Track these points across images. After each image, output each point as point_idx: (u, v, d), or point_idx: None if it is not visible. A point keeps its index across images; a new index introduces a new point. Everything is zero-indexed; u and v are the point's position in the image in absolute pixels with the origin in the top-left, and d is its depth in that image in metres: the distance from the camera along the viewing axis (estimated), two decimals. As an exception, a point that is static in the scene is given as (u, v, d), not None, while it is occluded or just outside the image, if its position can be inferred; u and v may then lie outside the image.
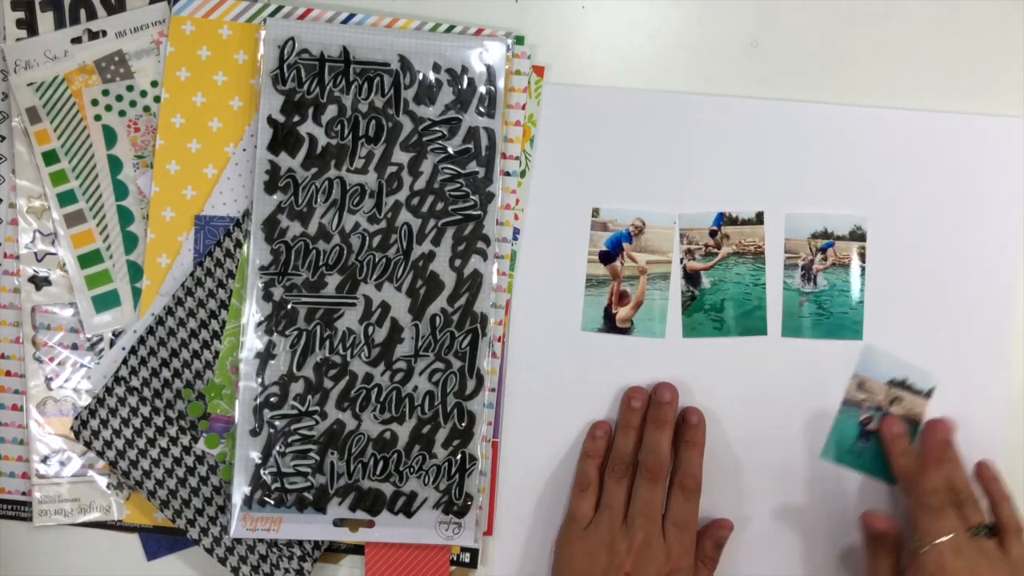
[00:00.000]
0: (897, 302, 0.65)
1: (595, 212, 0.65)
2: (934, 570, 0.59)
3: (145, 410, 0.63)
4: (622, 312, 0.65)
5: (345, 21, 0.63)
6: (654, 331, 0.65)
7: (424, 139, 0.63)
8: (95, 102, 0.65)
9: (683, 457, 0.62)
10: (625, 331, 0.65)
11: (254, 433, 0.62)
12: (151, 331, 0.63)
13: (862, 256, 0.65)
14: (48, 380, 0.64)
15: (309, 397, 0.62)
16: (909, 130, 0.65)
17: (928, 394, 0.64)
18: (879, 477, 0.65)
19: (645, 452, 0.62)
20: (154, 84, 0.65)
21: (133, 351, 0.63)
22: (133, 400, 0.63)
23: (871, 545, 0.63)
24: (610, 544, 0.61)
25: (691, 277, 0.65)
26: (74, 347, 0.64)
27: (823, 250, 0.65)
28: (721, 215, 0.65)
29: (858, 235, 0.65)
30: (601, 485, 0.63)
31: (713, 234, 0.65)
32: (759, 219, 0.65)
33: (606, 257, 0.65)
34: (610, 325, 0.65)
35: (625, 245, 0.65)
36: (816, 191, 0.65)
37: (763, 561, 0.65)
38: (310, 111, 0.62)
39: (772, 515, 0.65)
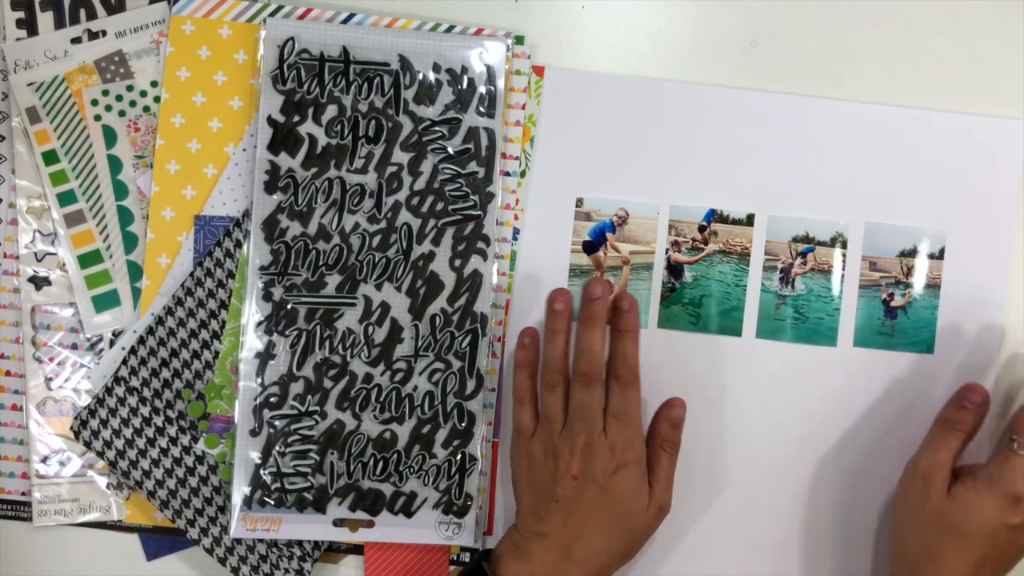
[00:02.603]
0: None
1: (579, 202, 0.65)
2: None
3: (145, 410, 0.63)
4: None
5: (345, 21, 0.63)
6: None
7: (424, 139, 0.63)
8: (95, 102, 0.65)
9: (617, 347, 0.61)
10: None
11: (254, 433, 0.62)
12: (151, 331, 0.63)
13: (843, 263, 0.64)
14: (48, 380, 0.64)
15: (309, 397, 0.62)
16: (904, 129, 0.65)
17: (941, 255, 0.64)
18: (914, 350, 0.65)
19: (578, 354, 0.60)
20: (154, 84, 0.65)
21: (133, 351, 0.63)
22: (133, 400, 0.63)
23: (946, 418, 0.62)
24: (554, 450, 0.60)
25: (674, 269, 0.65)
26: (74, 347, 0.64)
27: (803, 254, 0.65)
28: (712, 211, 0.65)
29: (839, 241, 0.65)
30: (536, 395, 0.63)
31: (702, 229, 0.65)
32: (749, 221, 0.65)
33: (590, 247, 0.65)
34: None
35: (608, 235, 0.65)
36: (807, 193, 0.65)
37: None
38: (310, 111, 0.62)
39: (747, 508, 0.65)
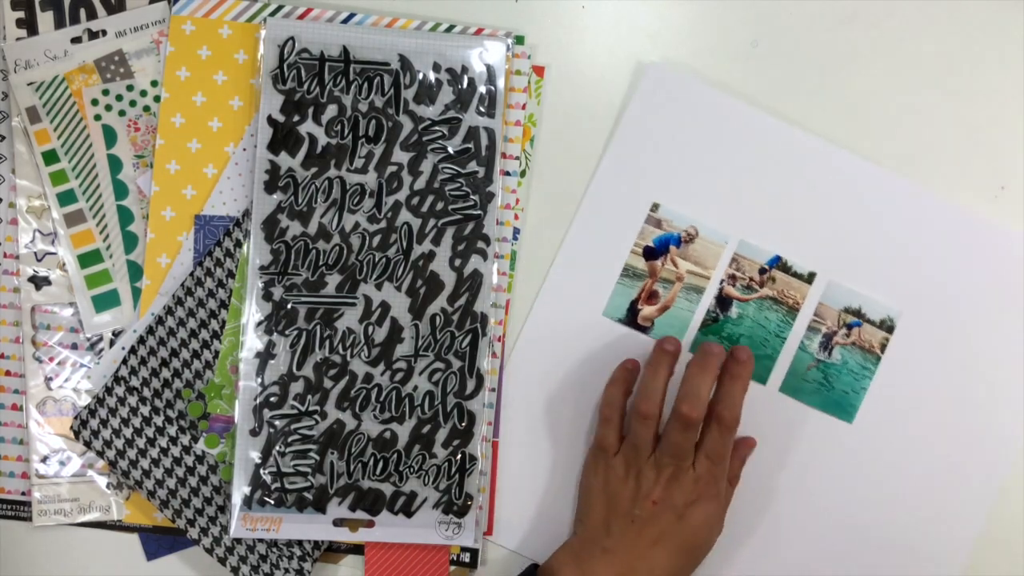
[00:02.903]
0: (902, 403, 0.64)
1: (654, 207, 0.64)
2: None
3: (145, 410, 0.63)
4: (646, 311, 0.65)
5: (345, 21, 0.63)
6: None
7: (424, 139, 0.63)
8: (95, 102, 0.65)
9: (725, 390, 0.60)
10: (644, 330, 0.65)
11: (254, 433, 0.62)
12: (151, 331, 0.63)
13: (883, 347, 0.64)
14: (48, 380, 0.64)
15: (309, 397, 0.62)
16: (972, 236, 0.64)
17: (881, 325, 0.64)
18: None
19: (683, 395, 0.59)
20: (154, 84, 0.65)
21: (133, 351, 0.63)
22: (133, 400, 0.63)
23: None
24: (638, 473, 0.60)
25: (723, 301, 0.65)
26: (74, 347, 0.64)
27: (849, 327, 0.64)
28: (777, 258, 0.64)
29: (887, 326, 0.64)
30: (624, 415, 0.63)
31: (762, 272, 0.64)
32: (809, 279, 0.64)
33: (650, 253, 0.65)
34: (631, 319, 0.65)
35: (672, 248, 0.65)
36: (869, 268, 0.64)
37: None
38: (310, 111, 0.62)
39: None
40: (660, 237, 0.65)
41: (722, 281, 0.65)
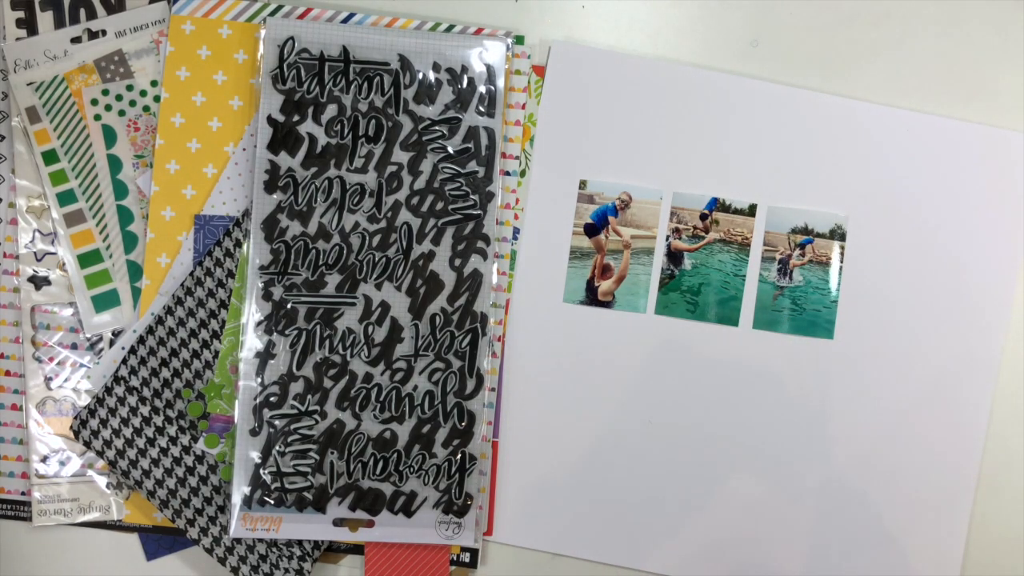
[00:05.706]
0: (874, 304, 0.65)
1: (582, 184, 0.65)
2: None
3: (145, 410, 0.63)
4: (604, 286, 0.65)
5: (345, 20, 0.63)
6: (636, 306, 0.65)
7: (424, 139, 0.63)
8: (95, 102, 0.65)
9: None
10: (607, 304, 0.65)
11: (254, 433, 0.62)
12: (151, 331, 0.63)
13: (842, 256, 0.65)
14: (48, 380, 0.64)
15: (309, 397, 0.62)
16: (908, 131, 0.65)
17: (832, 235, 0.64)
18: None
19: None
20: (154, 84, 0.65)
21: (133, 351, 0.63)
22: (132, 400, 0.63)
23: None
24: None
25: (674, 256, 0.65)
26: (74, 347, 0.64)
27: (801, 246, 0.65)
28: (715, 200, 0.65)
29: (838, 234, 0.65)
30: None
31: (703, 217, 0.65)
32: (751, 211, 0.65)
33: (591, 230, 0.65)
34: (592, 298, 0.65)
35: (611, 218, 0.65)
36: (806, 185, 0.65)
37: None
38: (310, 110, 0.62)
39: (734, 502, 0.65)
40: (596, 211, 0.65)
41: (668, 237, 0.65)
